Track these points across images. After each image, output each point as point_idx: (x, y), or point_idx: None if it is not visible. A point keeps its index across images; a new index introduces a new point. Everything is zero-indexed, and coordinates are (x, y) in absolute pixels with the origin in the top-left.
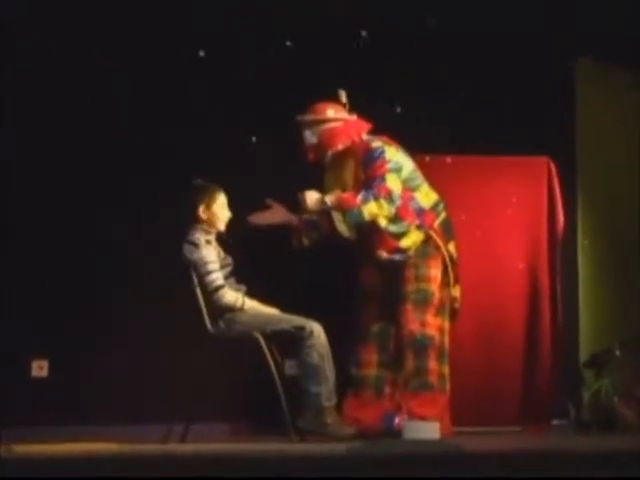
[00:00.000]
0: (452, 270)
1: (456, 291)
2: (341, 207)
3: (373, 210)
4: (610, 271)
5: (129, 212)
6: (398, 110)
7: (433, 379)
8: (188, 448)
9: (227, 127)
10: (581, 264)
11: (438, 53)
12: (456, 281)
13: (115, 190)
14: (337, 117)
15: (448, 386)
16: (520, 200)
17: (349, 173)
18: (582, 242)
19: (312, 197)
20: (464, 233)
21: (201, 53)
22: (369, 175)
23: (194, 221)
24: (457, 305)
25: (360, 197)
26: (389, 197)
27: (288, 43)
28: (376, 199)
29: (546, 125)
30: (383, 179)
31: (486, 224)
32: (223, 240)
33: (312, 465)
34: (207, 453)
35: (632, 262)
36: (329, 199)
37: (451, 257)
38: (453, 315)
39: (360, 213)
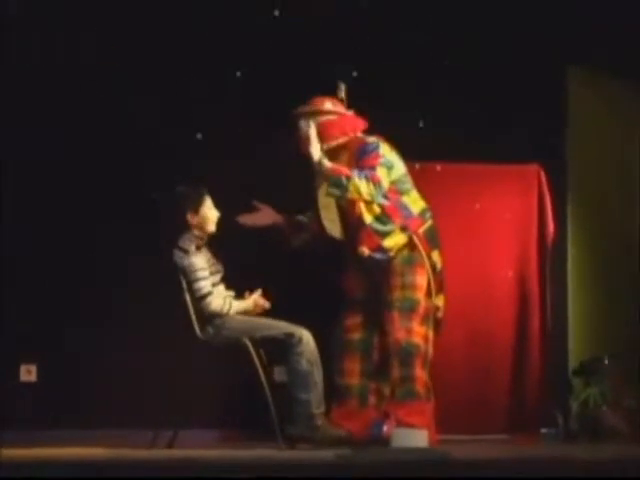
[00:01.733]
0: (434, 279)
1: (440, 300)
2: (332, 171)
3: (359, 187)
4: (599, 280)
5: (118, 219)
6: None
7: (419, 387)
8: (176, 454)
9: (223, 127)
10: (570, 273)
11: (428, 61)
12: (440, 290)
13: (113, 193)
14: (334, 110)
15: (432, 394)
16: (510, 208)
17: (343, 166)
18: (571, 251)
19: (317, 148)
20: (453, 241)
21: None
22: (361, 166)
23: (183, 228)
24: (440, 314)
25: (354, 172)
26: (378, 185)
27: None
28: (367, 180)
29: (537, 133)
30: (374, 169)
31: (476, 232)
32: (213, 245)
33: (301, 472)
34: (195, 459)
35: (621, 271)
36: (327, 162)
37: (434, 266)
38: (437, 324)
39: (346, 183)
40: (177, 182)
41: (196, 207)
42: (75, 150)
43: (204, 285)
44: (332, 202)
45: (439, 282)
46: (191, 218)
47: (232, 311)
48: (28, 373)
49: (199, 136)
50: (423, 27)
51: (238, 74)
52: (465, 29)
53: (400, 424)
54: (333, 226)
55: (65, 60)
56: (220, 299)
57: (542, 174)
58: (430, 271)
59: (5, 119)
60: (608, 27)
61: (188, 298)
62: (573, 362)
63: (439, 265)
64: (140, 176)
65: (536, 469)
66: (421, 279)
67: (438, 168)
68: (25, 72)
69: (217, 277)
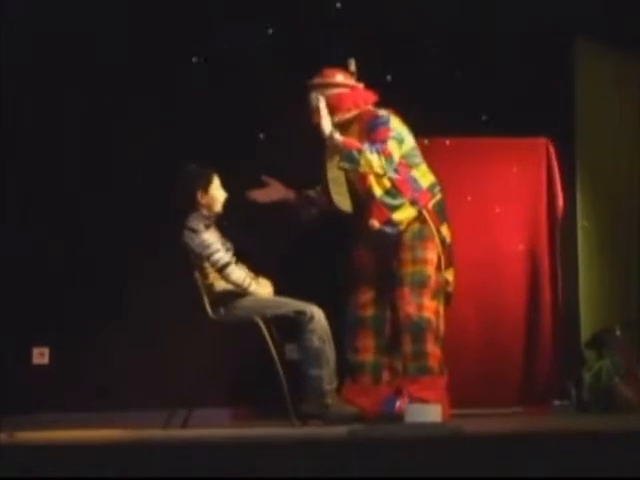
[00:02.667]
0: (443, 253)
1: (449, 274)
2: (344, 145)
3: (371, 161)
4: (609, 252)
5: (128, 199)
6: (389, 78)
7: (432, 362)
8: (190, 433)
9: (227, 108)
10: (581, 245)
11: (436, 34)
12: (449, 264)
13: (117, 178)
14: (345, 83)
15: (445, 369)
16: (519, 182)
17: (354, 140)
18: (582, 224)
19: (328, 122)
20: (464, 215)
21: None
22: (372, 139)
23: (192, 207)
24: (450, 289)
25: (365, 145)
26: (389, 158)
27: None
28: (378, 154)
29: (545, 106)
30: (385, 142)
31: (485, 206)
32: (221, 224)
33: (314, 448)
34: (208, 438)
35: (631, 243)
36: (338, 136)
37: (443, 240)
38: (447, 298)
39: (358, 157)
40: (177, 164)
41: (206, 186)
42: (78, 138)
43: (221, 256)
44: (341, 175)
45: (448, 256)
46: (201, 197)
47: (252, 289)
48: (41, 356)
49: (194, 60)
50: (431, 3)
51: (270, 31)
52: (473, 3)
53: (413, 399)
54: (342, 199)
55: (65, 58)
56: (242, 271)
57: (551, 147)
58: (440, 245)
59: (6, 118)
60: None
61: (199, 278)
62: (585, 334)
63: (448, 239)
64: (140, 158)
65: (549, 441)
66: (431, 253)
67: (447, 142)
68: (24, 72)
69: (229, 254)
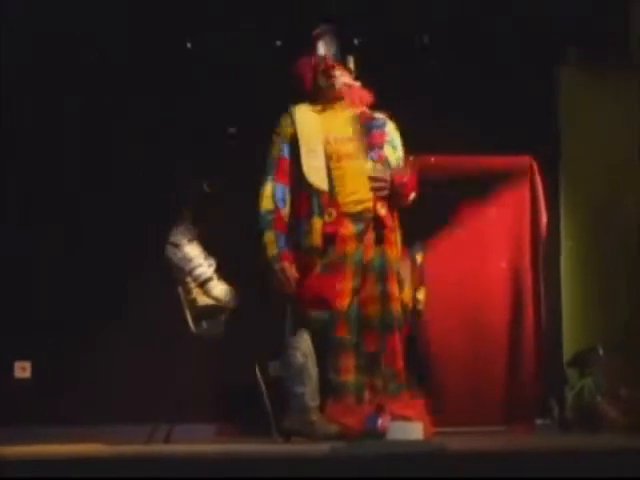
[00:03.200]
0: (413, 273)
1: (420, 294)
2: None
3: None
4: (593, 270)
5: (115, 211)
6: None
7: (406, 380)
8: (172, 449)
9: (227, 108)
10: (564, 264)
11: (423, 53)
12: (420, 284)
13: (117, 178)
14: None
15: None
16: (503, 199)
17: None
18: (565, 243)
19: None
20: (446, 233)
21: None
22: (367, 142)
23: (178, 220)
24: (421, 307)
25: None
26: (385, 163)
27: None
28: (373, 162)
29: (529, 125)
30: (381, 148)
31: (469, 223)
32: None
33: (296, 465)
34: (191, 454)
35: (614, 262)
36: None
37: (413, 259)
38: (418, 316)
39: None
40: (169, 176)
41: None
42: (78, 137)
43: (204, 271)
44: (320, 150)
45: (420, 276)
46: (187, 210)
47: (232, 305)
48: (22, 370)
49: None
50: (415, 20)
51: (279, 43)
52: (455, 22)
53: (395, 417)
54: (316, 174)
55: (65, 58)
56: (224, 286)
57: (534, 165)
58: (410, 265)
59: (6, 118)
60: (601, 20)
61: (182, 293)
62: (567, 352)
63: (419, 259)
64: (136, 168)
65: (532, 460)
66: (404, 272)
67: (432, 160)
68: (24, 72)
69: (211, 269)
